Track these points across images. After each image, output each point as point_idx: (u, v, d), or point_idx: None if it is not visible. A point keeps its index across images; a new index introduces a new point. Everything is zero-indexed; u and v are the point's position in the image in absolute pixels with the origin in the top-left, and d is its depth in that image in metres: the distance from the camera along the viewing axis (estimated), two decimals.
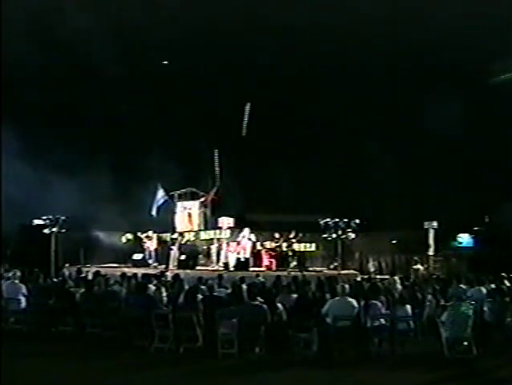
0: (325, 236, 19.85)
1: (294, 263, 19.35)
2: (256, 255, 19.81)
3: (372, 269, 20.33)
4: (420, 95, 19.38)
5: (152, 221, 21.06)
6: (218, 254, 19.98)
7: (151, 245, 20.22)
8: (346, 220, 19.47)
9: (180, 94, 20.35)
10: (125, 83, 19.21)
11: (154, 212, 21.31)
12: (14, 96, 18.24)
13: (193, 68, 19.70)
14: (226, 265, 18.97)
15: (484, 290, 10.91)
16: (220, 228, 20.40)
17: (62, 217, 18.86)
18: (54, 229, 18.97)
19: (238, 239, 19.56)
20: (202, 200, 21.77)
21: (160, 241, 20.62)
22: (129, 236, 20.88)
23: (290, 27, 17.93)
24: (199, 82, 19.89)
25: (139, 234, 20.27)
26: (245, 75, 19.31)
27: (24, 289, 10.66)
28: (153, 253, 20.11)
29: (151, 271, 15.82)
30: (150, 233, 20.22)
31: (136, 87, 19.61)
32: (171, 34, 17.72)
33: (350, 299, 9.31)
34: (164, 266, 18.88)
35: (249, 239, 19.55)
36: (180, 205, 22.11)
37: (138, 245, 20.54)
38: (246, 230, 19.65)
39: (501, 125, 19.52)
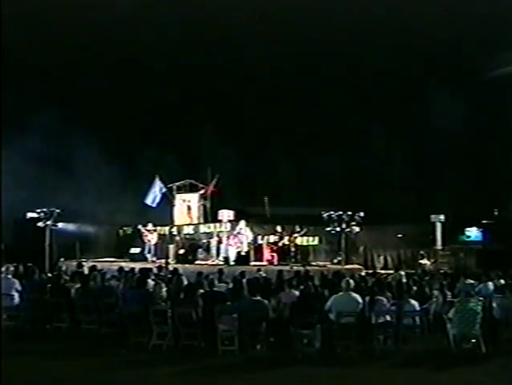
0: (328, 229, 19.52)
1: (297, 257, 19.01)
2: (257, 249, 19.48)
3: (379, 266, 20.07)
4: (429, 88, 19.07)
5: (150, 214, 20.65)
6: (218, 248, 19.63)
7: (152, 238, 19.78)
8: (350, 212, 19.11)
9: (180, 84, 20.07)
10: (125, 73, 18.95)
11: (148, 202, 20.81)
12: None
13: (192, 59, 19.41)
14: (227, 259, 18.63)
15: (493, 286, 10.82)
16: (220, 221, 20.09)
17: (57, 210, 18.57)
18: (49, 223, 18.69)
19: (235, 232, 19.16)
20: (202, 192, 21.47)
21: (159, 235, 20.29)
22: (126, 229, 20.52)
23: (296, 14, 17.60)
24: (199, 72, 19.60)
25: (139, 227, 19.85)
26: (247, 65, 19.00)
27: (17, 285, 10.45)
28: (153, 248, 19.73)
29: (149, 265, 15.53)
30: (150, 226, 19.81)
31: (135, 77, 19.36)
32: (168, 26, 17.38)
33: (354, 294, 9.10)
34: (162, 261, 18.51)
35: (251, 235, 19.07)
36: (179, 198, 21.82)
37: (138, 238, 20.18)
38: (242, 223, 19.23)
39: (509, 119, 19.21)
